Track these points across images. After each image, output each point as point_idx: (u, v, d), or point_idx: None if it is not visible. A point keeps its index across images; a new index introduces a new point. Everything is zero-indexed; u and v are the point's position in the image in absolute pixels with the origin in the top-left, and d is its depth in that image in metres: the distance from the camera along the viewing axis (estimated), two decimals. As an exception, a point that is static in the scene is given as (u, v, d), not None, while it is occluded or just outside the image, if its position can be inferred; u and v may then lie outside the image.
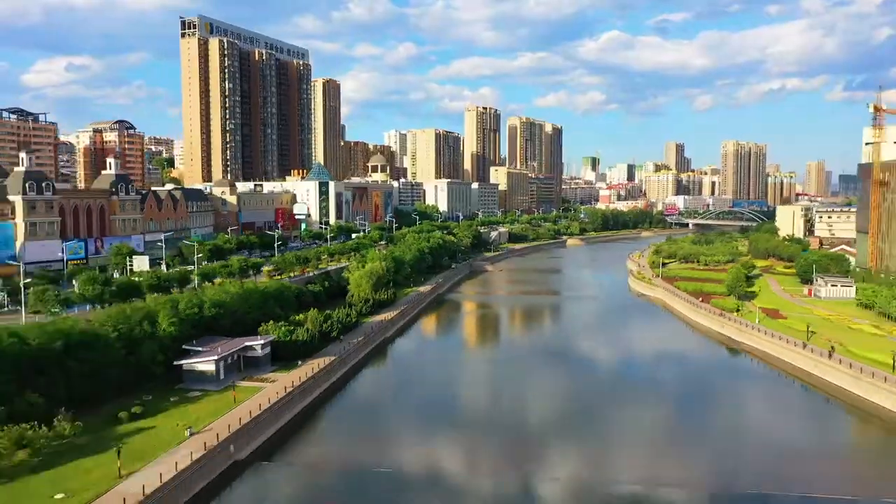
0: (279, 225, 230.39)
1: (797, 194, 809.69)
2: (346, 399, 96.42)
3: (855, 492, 64.44)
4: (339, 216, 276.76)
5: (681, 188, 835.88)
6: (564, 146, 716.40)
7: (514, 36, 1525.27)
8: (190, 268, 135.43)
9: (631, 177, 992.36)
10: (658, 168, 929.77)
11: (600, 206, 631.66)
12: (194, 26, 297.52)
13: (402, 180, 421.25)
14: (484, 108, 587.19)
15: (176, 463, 61.09)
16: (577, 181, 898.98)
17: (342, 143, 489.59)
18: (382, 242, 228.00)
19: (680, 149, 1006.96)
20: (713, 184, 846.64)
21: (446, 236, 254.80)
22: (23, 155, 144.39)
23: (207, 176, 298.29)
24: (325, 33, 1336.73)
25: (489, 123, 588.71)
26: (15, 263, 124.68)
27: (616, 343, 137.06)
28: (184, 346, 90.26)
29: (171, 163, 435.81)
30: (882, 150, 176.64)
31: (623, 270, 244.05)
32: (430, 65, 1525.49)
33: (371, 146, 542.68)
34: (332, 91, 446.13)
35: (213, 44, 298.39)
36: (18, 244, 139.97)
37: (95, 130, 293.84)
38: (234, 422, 72.51)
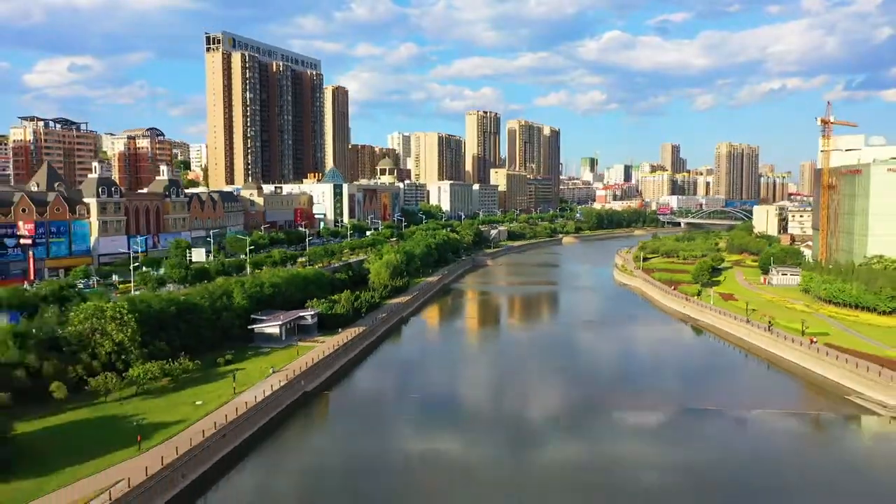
0: (301, 224, 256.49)
1: (790, 194, 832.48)
2: (378, 355, 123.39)
3: (753, 406, 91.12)
4: (351, 215, 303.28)
5: (676, 188, 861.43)
6: (564, 147, 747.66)
7: (515, 36, 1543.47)
8: (242, 258, 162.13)
9: (628, 177, 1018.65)
10: (654, 169, 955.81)
11: (596, 205, 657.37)
12: (218, 41, 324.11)
13: (407, 181, 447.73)
14: (484, 112, 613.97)
15: (271, 385, 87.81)
16: (575, 181, 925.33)
17: (349, 147, 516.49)
18: (393, 239, 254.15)
19: (675, 150, 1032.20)
20: (707, 184, 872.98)
21: (450, 234, 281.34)
22: (95, 164, 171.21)
23: (230, 179, 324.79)
24: (326, 33, 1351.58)
25: (489, 127, 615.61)
26: (90, 255, 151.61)
27: (596, 320, 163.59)
28: (252, 316, 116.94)
29: (186, 165, 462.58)
30: (832, 158, 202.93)
31: (610, 265, 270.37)
32: (431, 65, 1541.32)
33: (377, 149, 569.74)
34: (340, 97, 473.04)
35: (236, 57, 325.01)
36: (92, 239, 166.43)
37: (129, 137, 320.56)
38: (301, 366, 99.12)
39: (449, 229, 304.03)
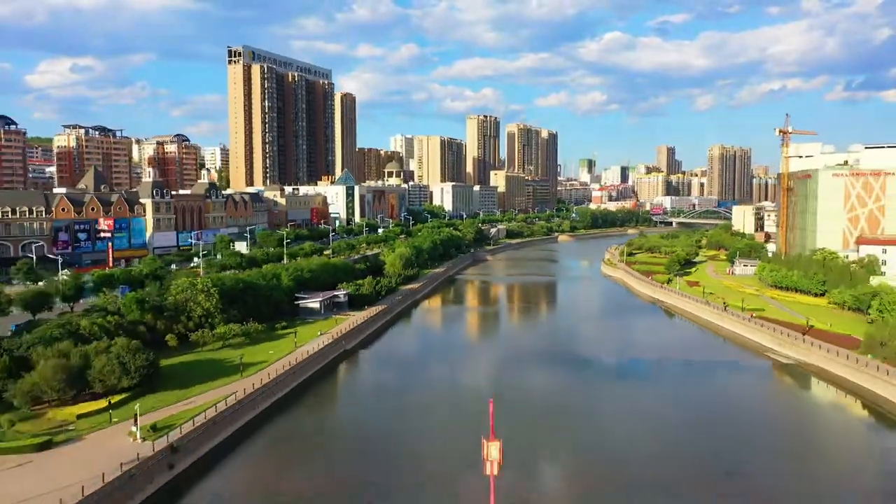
0: (319, 222, 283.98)
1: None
2: (396, 327, 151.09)
3: (698, 357, 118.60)
4: (362, 214, 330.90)
5: (670, 189, 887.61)
6: (565, 148, 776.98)
7: (516, 37, 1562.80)
8: (272, 250, 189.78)
9: (624, 178, 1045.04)
10: (649, 170, 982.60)
11: (592, 206, 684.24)
12: (239, 55, 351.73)
13: (412, 183, 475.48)
14: (485, 116, 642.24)
15: (320, 343, 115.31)
16: (572, 182, 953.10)
17: (357, 150, 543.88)
18: (402, 236, 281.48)
19: (671, 151, 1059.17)
20: (702, 185, 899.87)
21: (453, 232, 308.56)
22: (150, 169, 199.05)
23: (250, 181, 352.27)
24: (327, 34, 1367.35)
25: (489, 130, 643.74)
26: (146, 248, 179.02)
27: (581, 302, 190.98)
28: (296, 295, 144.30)
29: (201, 166, 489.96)
30: (791, 164, 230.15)
31: (599, 259, 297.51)
32: (432, 65, 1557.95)
33: (383, 152, 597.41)
34: (348, 103, 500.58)
35: (255, 69, 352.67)
36: (148, 234, 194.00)
37: (158, 143, 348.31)
38: (339, 331, 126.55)
39: (452, 228, 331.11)
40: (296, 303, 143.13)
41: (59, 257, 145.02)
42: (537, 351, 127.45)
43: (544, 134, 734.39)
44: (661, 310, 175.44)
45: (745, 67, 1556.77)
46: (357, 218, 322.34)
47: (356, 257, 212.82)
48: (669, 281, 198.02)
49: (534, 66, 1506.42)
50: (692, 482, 68.20)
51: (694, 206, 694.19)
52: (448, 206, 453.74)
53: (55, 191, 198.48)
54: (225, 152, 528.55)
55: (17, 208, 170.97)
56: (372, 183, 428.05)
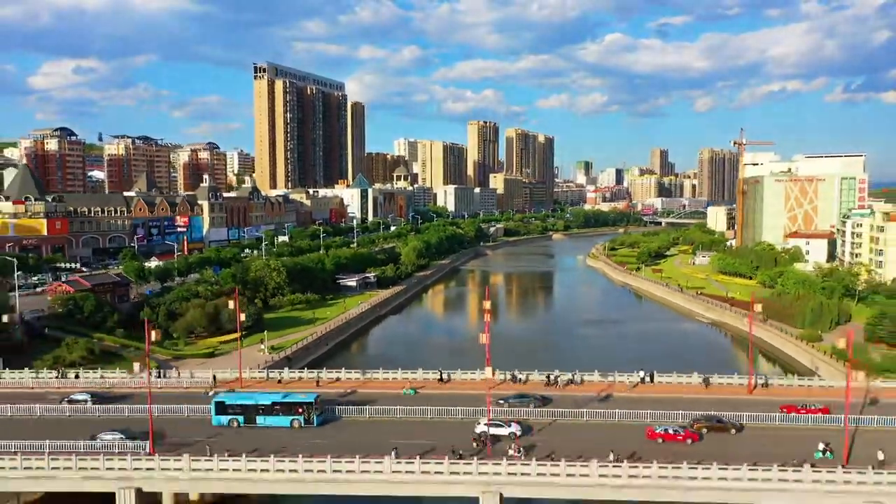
0: (337, 221, 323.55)
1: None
2: (415, 301, 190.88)
3: (647, 320, 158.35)
4: (374, 214, 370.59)
5: (663, 190, 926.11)
6: (565, 149, 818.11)
7: (517, 39, 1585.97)
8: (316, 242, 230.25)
9: (620, 180, 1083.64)
10: (643, 172, 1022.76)
11: (587, 206, 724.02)
12: (264, 70, 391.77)
13: (417, 185, 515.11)
14: (484, 122, 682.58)
15: (361, 309, 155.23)
16: (569, 184, 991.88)
17: (365, 155, 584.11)
18: (413, 232, 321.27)
19: (664, 154, 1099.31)
20: (693, 186, 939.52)
21: (456, 230, 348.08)
22: (206, 175, 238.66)
23: (273, 184, 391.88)
24: (330, 36, 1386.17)
25: (489, 135, 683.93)
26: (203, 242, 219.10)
27: (565, 284, 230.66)
28: (336, 276, 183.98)
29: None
30: (747, 170, 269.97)
31: (586, 254, 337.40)
32: (433, 67, 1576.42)
33: (389, 156, 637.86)
34: (359, 112, 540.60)
35: (279, 84, 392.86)
36: (205, 230, 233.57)
37: (192, 150, 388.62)
38: (374, 301, 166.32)
39: (455, 226, 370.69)
40: (337, 281, 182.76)
41: (135, 246, 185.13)
42: (524, 312, 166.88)
43: (541, 138, 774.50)
44: (628, 290, 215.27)
45: (744, 69, 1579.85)
46: (370, 217, 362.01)
47: (376, 249, 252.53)
48: (638, 269, 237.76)
49: (535, 68, 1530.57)
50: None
51: (684, 206, 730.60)
52: (451, 207, 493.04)
53: (126, 194, 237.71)
54: (242, 157, 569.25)
55: (105, 208, 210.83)
56: (382, 186, 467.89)
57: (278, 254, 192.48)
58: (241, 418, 68.82)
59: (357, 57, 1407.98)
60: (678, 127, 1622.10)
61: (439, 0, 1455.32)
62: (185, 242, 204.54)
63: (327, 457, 57.29)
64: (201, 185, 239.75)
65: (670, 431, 64.81)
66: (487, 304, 74.46)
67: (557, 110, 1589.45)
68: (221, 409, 69.46)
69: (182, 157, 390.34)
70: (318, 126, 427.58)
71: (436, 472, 56.25)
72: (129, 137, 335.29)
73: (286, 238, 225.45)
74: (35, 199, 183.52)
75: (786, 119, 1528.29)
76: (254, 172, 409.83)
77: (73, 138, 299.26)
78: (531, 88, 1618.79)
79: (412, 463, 56.52)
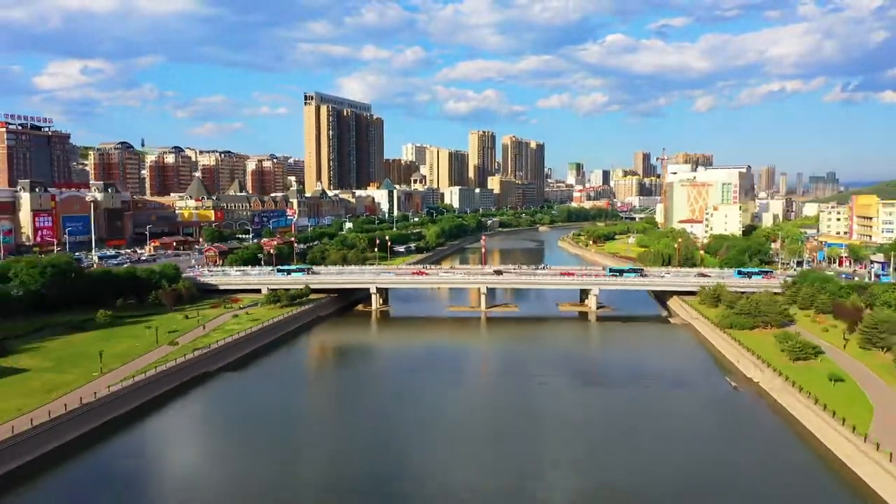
0: (370, 214, 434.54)
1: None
2: (441, 260, 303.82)
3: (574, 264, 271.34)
4: (398, 209, 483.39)
5: (643, 190, 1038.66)
6: (560, 151, 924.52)
7: (519, 40, 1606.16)
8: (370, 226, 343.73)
9: (606, 180, 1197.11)
10: (626, 174, 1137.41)
11: (574, 204, 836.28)
12: (311, 97, 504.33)
13: (426, 187, 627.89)
14: (483, 131, 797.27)
15: (410, 262, 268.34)
16: (559, 184, 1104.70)
17: (383, 161, 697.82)
18: (430, 223, 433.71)
19: (646, 157, 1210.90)
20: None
21: (462, 221, 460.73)
22: (292, 178, 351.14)
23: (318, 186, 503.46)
24: (334, 37, 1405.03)
25: (487, 142, 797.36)
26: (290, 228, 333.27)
27: (535, 255, 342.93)
28: (390, 245, 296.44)
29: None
30: (669, 177, 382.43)
31: (560, 239, 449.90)
32: (436, 68, 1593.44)
33: (402, 161, 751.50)
34: (379, 127, 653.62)
35: (324, 109, 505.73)
36: (293, 221, 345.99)
37: (259, 160, 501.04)
38: (417, 259, 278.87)
39: (460, 219, 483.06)
40: (393, 248, 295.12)
41: (250, 229, 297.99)
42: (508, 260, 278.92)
43: (533, 145, 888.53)
44: (575, 256, 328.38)
45: (744, 69, 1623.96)
46: (395, 211, 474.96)
47: (410, 232, 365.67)
48: (586, 245, 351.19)
49: (536, 68, 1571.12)
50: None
51: (658, 204, 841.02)
52: (455, 204, 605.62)
53: (237, 194, 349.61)
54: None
55: (234, 204, 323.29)
56: (403, 187, 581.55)
57: (358, 230, 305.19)
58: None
59: (360, 57, 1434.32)
60: (678, 128, 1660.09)
61: (444, 2, 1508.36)
62: (294, 228, 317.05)
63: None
64: (290, 188, 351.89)
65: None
66: (484, 240, 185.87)
67: (558, 110, 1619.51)
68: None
69: (250, 166, 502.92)
70: (352, 140, 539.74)
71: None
72: (217, 152, 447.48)
73: (350, 224, 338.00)
74: (206, 198, 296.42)
75: (786, 118, 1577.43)
76: (291, 176, 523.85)
77: (130, 150, 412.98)
78: (532, 88, 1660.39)
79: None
